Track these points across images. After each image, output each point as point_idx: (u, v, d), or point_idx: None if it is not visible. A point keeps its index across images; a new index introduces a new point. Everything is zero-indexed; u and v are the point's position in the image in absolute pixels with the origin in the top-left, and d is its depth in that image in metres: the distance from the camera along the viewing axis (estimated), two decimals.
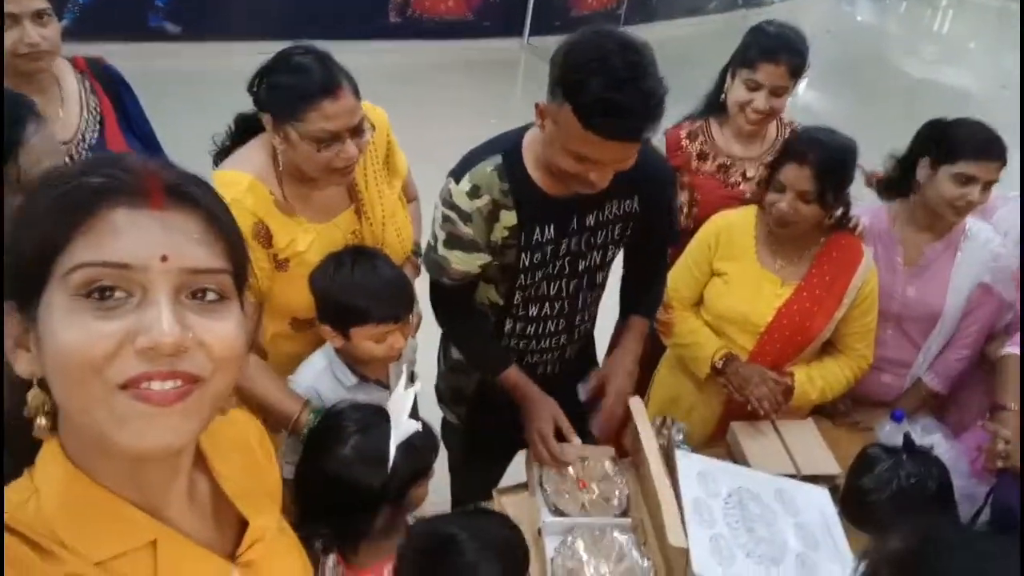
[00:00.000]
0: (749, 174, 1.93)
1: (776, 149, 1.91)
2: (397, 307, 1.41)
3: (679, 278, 1.82)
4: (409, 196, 1.77)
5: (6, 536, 0.55)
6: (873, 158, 1.82)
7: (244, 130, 1.49)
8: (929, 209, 1.74)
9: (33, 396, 0.58)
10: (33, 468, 0.61)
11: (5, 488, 0.60)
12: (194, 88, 4.38)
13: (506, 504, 1.48)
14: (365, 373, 1.46)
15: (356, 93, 1.38)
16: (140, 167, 0.57)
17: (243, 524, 0.71)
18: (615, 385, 1.58)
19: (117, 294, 0.54)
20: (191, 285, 0.57)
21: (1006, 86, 8.97)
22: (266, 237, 1.40)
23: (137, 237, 0.55)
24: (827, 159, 1.58)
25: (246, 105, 1.43)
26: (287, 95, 1.33)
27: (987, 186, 1.67)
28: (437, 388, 1.83)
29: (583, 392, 1.62)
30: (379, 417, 1.18)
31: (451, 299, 1.57)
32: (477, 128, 1.49)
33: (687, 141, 1.96)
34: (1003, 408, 1.58)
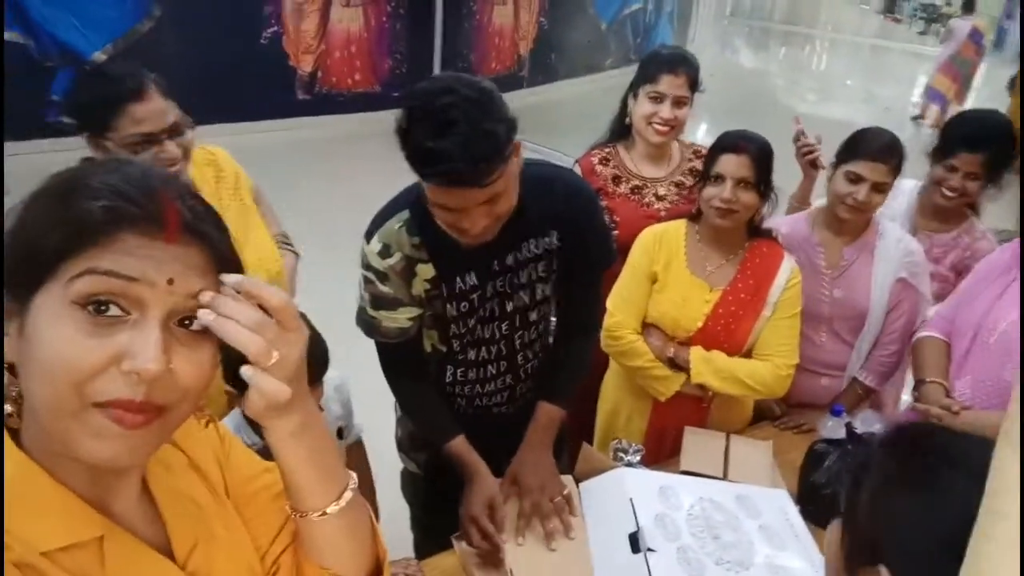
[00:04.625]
0: (660, 193, 2.01)
1: (682, 169, 2.01)
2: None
3: (621, 301, 1.81)
4: (256, 199, 1.79)
5: None
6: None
7: None
8: (832, 210, 1.85)
9: (9, 388, 0.60)
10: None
11: None
12: None
13: (465, 551, 1.42)
14: None
15: (168, 95, 1.40)
16: (163, 197, 0.58)
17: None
18: (536, 486, 1.47)
19: (113, 310, 0.55)
20: (184, 311, 0.59)
21: (889, 108, 9.72)
22: None
23: (146, 262, 0.56)
24: (761, 146, 1.67)
25: None
26: (95, 108, 1.34)
27: (877, 187, 1.77)
28: (396, 437, 1.77)
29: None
30: None
31: (394, 357, 1.53)
32: (395, 193, 1.51)
33: (600, 166, 2.02)
34: (922, 382, 1.67)
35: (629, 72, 2.04)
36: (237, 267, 0.64)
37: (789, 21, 20.47)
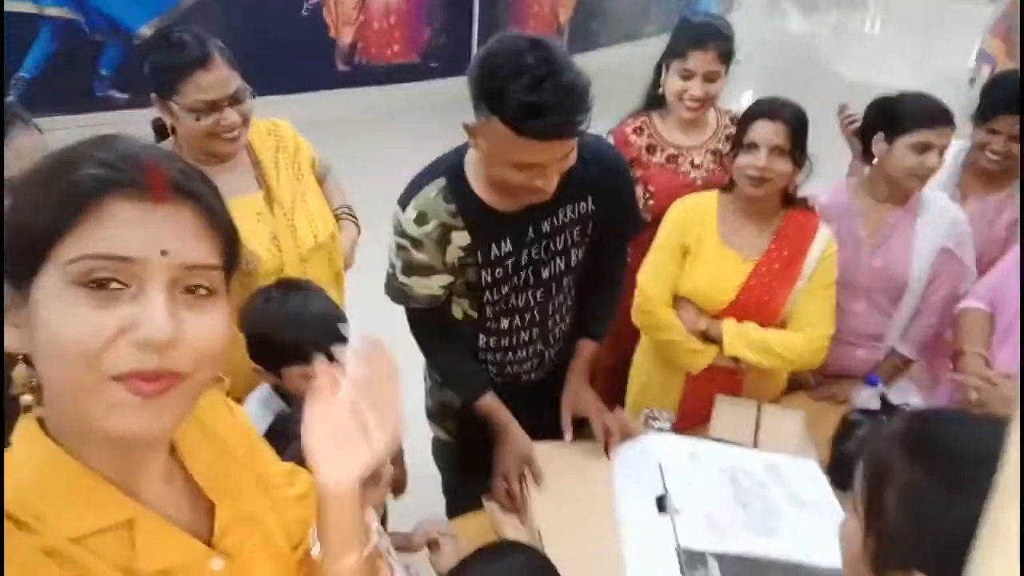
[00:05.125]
0: (696, 162, 1.98)
1: (719, 136, 1.98)
2: (330, 343, 1.32)
3: (653, 275, 1.80)
4: (321, 172, 1.84)
5: None
6: (816, 159, 1.88)
7: (163, 134, 1.56)
8: (891, 180, 1.80)
9: (18, 374, 0.59)
10: (9, 445, 0.61)
11: None
12: None
13: (494, 509, 1.46)
14: None
15: (232, 64, 1.47)
16: (145, 159, 0.58)
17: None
18: (595, 409, 1.57)
19: (114, 284, 0.56)
20: (186, 279, 0.59)
21: (944, 75, 9.32)
22: None
23: (138, 230, 0.56)
24: (796, 113, 1.63)
25: None
26: (164, 72, 1.42)
27: (941, 152, 1.73)
28: (426, 406, 1.81)
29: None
30: None
31: (424, 322, 1.56)
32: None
33: (634, 136, 2.00)
34: (962, 353, 1.64)
35: (668, 40, 1.99)
36: (232, 227, 0.64)
37: None
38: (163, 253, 0.57)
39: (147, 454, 0.65)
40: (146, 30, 5.28)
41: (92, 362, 0.55)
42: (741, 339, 1.71)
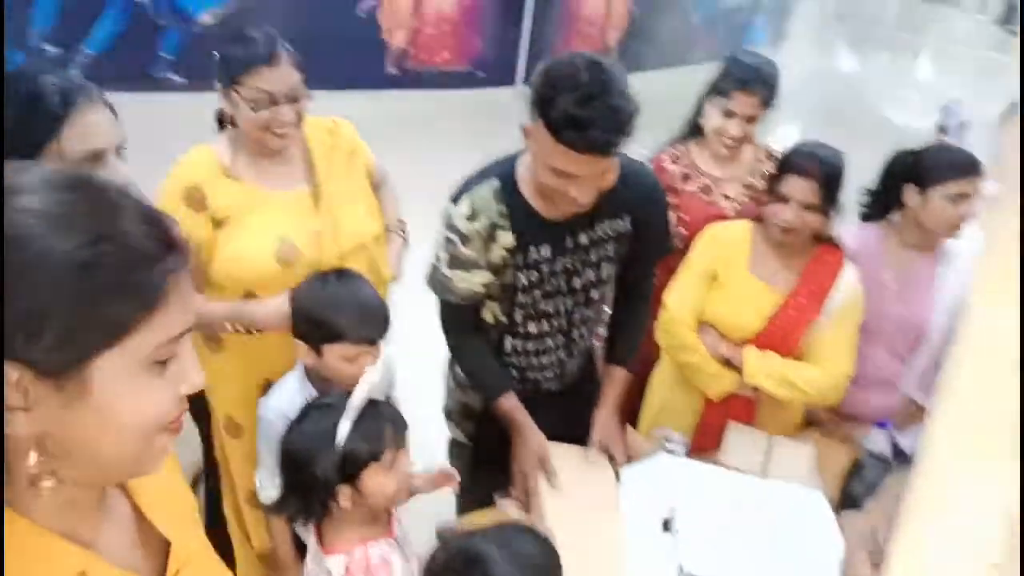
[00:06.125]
0: (730, 194, 2.02)
1: (753, 170, 2.01)
2: (374, 329, 1.44)
3: (680, 296, 1.83)
4: (377, 180, 1.85)
5: None
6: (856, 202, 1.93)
7: (223, 125, 1.62)
8: (922, 230, 1.83)
9: (38, 462, 0.58)
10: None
11: None
12: (201, 139, 4.50)
13: (508, 507, 1.51)
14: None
15: (296, 65, 1.53)
16: (177, 232, 0.62)
17: (167, 547, 0.71)
18: (620, 446, 1.64)
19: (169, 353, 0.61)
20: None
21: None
22: (199, 201, 1.52)
23: (185, 304, 0.61)
24: (829, 171, 1.66)
25: None
26: (230, 62, 1.49)
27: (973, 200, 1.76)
28: (445, 406, 1.86)
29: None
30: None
31: (457, 317, 1.63)
32: (476, 168, 1.62)
33: (671, 164, 2.05)
34: None
35: (717, 67, 2.02)
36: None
37: (896, 26, 19.54)
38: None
39: (92, 499, 0.66)
40: (206, 17, 5.45)
41: (159, 426, 0.61)
42: (762, 369, 1.74)
